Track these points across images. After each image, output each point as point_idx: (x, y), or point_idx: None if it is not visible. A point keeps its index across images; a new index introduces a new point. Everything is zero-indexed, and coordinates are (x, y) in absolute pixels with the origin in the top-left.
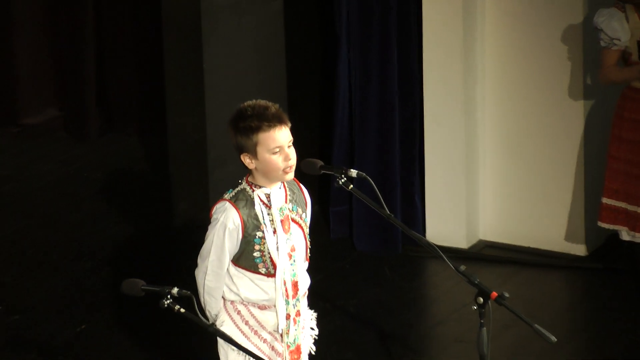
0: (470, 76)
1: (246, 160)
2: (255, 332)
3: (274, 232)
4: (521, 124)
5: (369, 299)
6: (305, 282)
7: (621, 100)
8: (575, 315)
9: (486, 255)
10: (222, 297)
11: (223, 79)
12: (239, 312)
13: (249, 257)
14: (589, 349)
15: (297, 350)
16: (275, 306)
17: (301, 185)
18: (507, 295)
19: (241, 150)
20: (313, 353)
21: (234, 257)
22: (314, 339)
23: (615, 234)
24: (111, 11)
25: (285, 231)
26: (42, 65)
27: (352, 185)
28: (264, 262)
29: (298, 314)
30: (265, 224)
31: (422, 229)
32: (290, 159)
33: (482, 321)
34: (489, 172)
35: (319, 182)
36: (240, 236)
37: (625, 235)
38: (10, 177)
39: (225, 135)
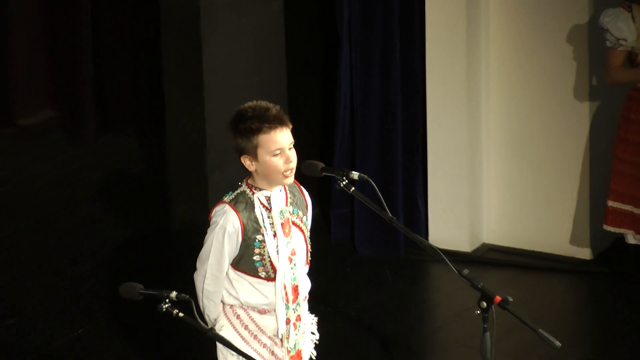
0: (474, 77)
1: (246, 162)
2: (255, 337)
3: (274, 235)
4: (525, 125)
5: (371, 303)
6: (305, 286)
7: (627, 101)
8: (580, 320)
9: (489, 258)
10: (222, 301)
11: (223, 79)
12: (238, 317)
13: (249, 260)
14: (593, 354)
15: (298, 355)
16: (275, 310)
17: (302, 187)
18: (510, 299)
19: (241, 152)
20: (314, 358)
21: (233, 260)
22: (315, 343)
23: (621, 238)
24: (109, 10)
25: (286, 234)
26: (39, 65)
27: (353, 188)
28: (263, 265)
29: (298, 318)
30: (265, 227)
31: (425, 232)
32: (291, 162)
33: (485, 325)
34: (493, 175)
35: (319, 184)
36: (240, 239)
37: (631, 238)
38: (6, 178)
39: (224, 136)
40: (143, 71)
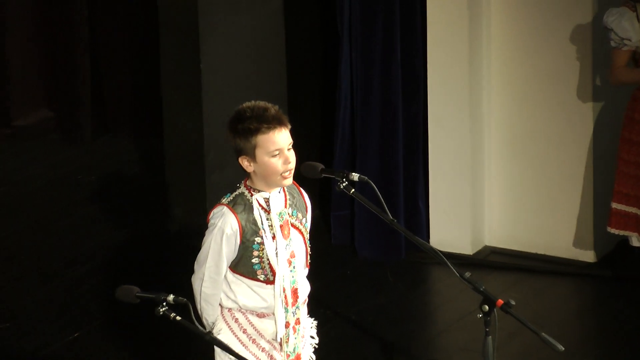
0: (475, 77)
1: (244, 163)
2: (254, 341)
3: (273, 237)
4: (528, 126)
5: (371, 307)
6: (305, 289)
7: (631, 102)
8: (583, 324)
9: (492, 261)
10: (220, 304)
11: (221, 79)
12: (236, 320)
13: (247, 263)
14: (597, 358)
15: (297, 359)
16: (274, 314)
17: (301, 189)
18: (513, 302)
19: (239, 152)
20: None
21: (231, 263)
22: (314, 347)
23: (625, 240)
24: (106, 9)
25: (285, 237)
26: (34, 65)
27: (353, 189)
28: (262, 268)
29: (298, 322)
30: (264, 229)
31: (426, 235)
32: (289, 162)
33: (487, 329)
34: (495, 176)
35: (319, 185)
36: (238, 242)
37: (636, 241)
38: (3, 179)
39: (223, 137)
40: (141, 71)
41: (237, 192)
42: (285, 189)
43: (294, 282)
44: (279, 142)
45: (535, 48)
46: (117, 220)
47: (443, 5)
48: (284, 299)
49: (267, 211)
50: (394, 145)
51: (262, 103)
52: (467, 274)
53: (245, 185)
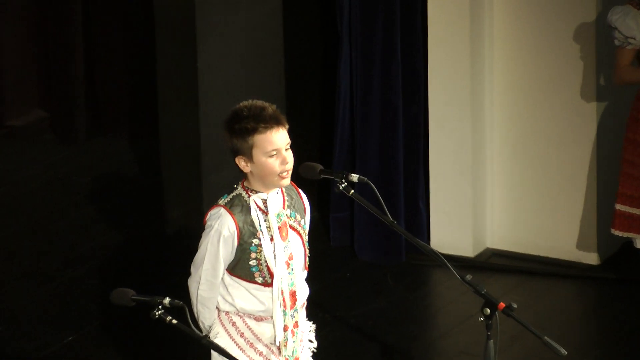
0: (477, 77)
1: (241, 163)
2: (251, 345)
3: (271, 239)
4: (530, 126)
5: (371, 310)
6: (303, 292)
7: (636, 101)
8: (586, 327)
9: (493, 264)
10: (217, 307)
11: (218, 79)
12: (234, 324)
13: (245, 265)
14: None
15: None
16: (272, 317)
17: (300, 190)
18: (515, 306)
19: (236, 153)
20: None
21: (229, 265)
22: (313, 351)
23: (629, 242)
24: (101, 8)
25: (283, 238)
26: (28, 64)
27: (353, 191)
28: (260, 271)
29: (296, 325)
30: (261, 230)
31: (427, 237)
32: (287, 163)
33: (489, 333)
34: (497, 177)
35: (318, 187)
36: (236, 244)
37: None
38: None
39: (220, 138)
40: (136, 71)
41: (234, 193)
42: (284, 189)
43: (292, 284)
44: (277, 142)
45: (537, 47)
46: (112, 222)
47: (444, 4)
48: (282, 301)
49: (265, 212)
50: (394, 145)
51: (259, 102)
52: (468, 277)
53: (243, 186)
